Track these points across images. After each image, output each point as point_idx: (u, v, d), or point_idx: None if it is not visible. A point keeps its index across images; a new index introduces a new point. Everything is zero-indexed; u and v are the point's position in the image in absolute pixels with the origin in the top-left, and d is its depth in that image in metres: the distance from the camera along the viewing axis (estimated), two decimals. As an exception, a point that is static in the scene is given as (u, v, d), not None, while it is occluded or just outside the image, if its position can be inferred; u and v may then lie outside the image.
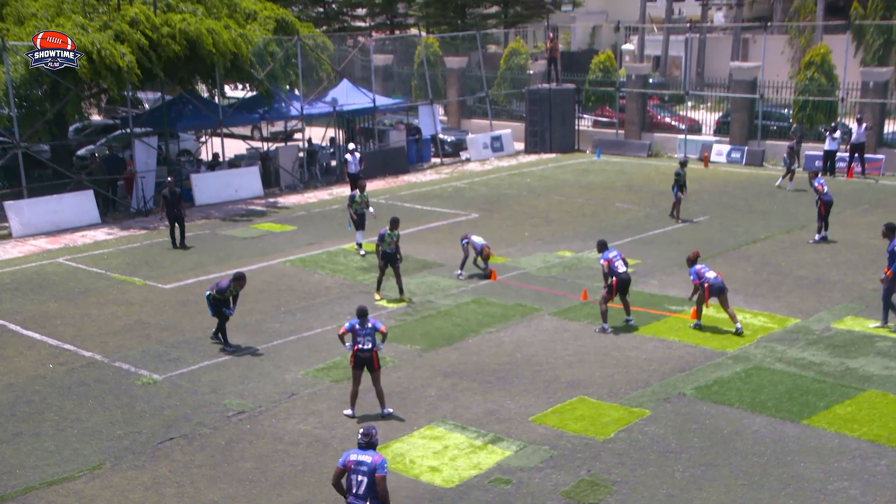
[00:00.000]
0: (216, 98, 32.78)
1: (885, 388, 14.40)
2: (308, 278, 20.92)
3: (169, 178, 25.05)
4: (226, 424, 13.57)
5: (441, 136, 38.55)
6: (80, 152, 33.00)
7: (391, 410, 13.80)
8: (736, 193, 29.69)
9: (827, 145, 31.79)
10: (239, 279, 16.25)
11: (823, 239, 23.18)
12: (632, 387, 14.67)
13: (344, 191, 29.82)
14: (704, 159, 35.17)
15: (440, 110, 42.19)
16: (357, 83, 37.47)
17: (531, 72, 42.86)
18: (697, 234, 24.42)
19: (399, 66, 47.11)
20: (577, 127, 39.71)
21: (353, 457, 9.39)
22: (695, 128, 38.74)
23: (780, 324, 17.44)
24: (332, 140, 36.02)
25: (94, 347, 16.74)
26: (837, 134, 31.70)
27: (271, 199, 30.42)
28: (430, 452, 12.61)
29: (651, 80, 41.63)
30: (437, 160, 37.52)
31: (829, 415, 13.55)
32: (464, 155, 38.91)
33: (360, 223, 22.61)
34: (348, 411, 13.79)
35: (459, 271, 20.70)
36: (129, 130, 28.60)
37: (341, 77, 36.01)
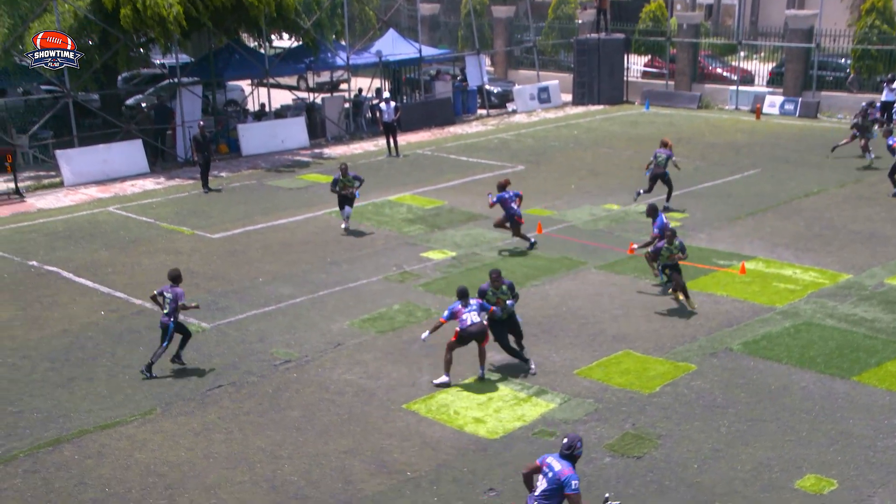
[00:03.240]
0: (262, 48, 32.75)
1: (939, 346, 14.12)
2: (354, 229, 20.98)
3: (201, 122, 25.38)
4: (273, 373, 13.74)
5: (487, 87, 38.20)
6: (129, 102, 33.28)
7: (485, 371, 13.38)
8: (788, 146, 29.07)
9: (885, 96, 30.90)
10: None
11: None
12: (678, 341, 14.56)
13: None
14: (756, 111, 34.45)
15: (486, 61, 41.76)
16: (403, 33, 37.17)
17: (580, 21, 42.15)
18: (749, 187, 24.00)
19: (445, 15, 46.63)
20: (625, 78, 39.07)
21: (549, 459, 8.99)
22: (747, 79, 37.91)
23: (832, 279, 17.13)
24: (378, 91, 35.87)
25: (145, 296, 16.96)
26: (896, 84, 30.80)
27: (317, 150, 30.47)
28: (474, 404, 12.66)
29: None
30: (484, 112, 37.21)
31: (880, 371, 13.33)
32: (510, 106, 38.55)
33: (345, 201, 20.60)
34: (444, 378, 13.15)
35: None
36: (176, 80, 28.73)
37: (387, 27, 35.72)
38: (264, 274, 17.93)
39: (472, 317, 12.90)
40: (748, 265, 17.77)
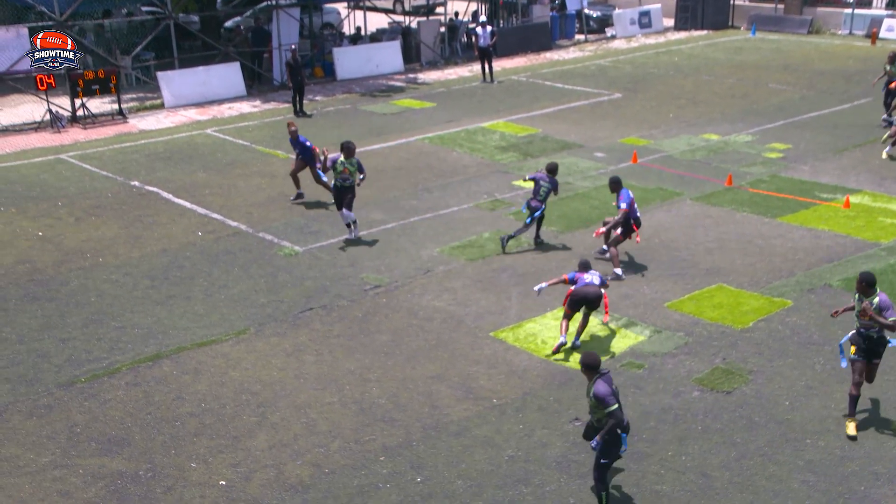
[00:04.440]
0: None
1: None
2: (446, 156, 20.91)
3: (293, 46, 25.46)
4: (363, 297, 13.93)
5: (586, 11, 37.21)
6: (228, 24, 33.59)
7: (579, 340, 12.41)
8: (904, 74, 27.56)
9: None
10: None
11: None
12: (774, 276, 14.16)
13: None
14: (872, 36, 32.71)
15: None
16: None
17: (685, -59, 40.49)
18: (858, 117, 22.93)
19: (545, -64, 45.27)
20: (731, 1, 37.51)
21: None
22: (864, 0, 35.93)
23: (943, 216, 16.34)
24: (475, 15, 35.32)
25: (240, 218, 17.37)
26: None
27: (411, 75, 30.31)
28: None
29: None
30: (581, 37, 36.36)
31: None
32: (609, 31, 37.54)
33: (339, 200, 16.00)
34: (561, 339, 12.06)
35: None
36: (274, 2, 28.83)
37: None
38: (356, 199, 18.04)
39: (594, 279, 12.02)
40: (853, 199, 17.07)
